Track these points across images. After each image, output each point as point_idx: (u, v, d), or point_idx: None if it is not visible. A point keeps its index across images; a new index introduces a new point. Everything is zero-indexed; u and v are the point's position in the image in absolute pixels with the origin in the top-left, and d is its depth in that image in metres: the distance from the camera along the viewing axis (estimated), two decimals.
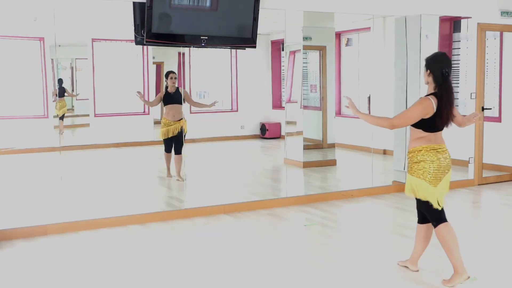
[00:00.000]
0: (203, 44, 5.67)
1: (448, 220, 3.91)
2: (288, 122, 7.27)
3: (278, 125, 9.00)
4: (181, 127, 6.93)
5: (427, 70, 3.90)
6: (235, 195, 6.71)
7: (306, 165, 7.92)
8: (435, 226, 3.90)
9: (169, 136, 6.97)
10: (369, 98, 8.13)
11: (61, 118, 7.33)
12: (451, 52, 8.12)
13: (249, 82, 8.57)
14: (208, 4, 5.59)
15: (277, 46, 8.71)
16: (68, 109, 7.77)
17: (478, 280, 3.94)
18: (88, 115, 7.58)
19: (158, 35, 5.41)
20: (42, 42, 7.36)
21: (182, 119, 6.96)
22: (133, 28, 5.53)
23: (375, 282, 3.99)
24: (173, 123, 6.91)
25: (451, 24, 8.11)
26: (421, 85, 6.84)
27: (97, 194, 6.71)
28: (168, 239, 5.13)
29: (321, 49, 8.17)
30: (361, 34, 8.80)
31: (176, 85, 6.97)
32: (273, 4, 6.08)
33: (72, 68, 7.82)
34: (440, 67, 3.82)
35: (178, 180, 6.93)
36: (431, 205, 3.89)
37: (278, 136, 9.03)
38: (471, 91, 7.34)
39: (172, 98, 6.93)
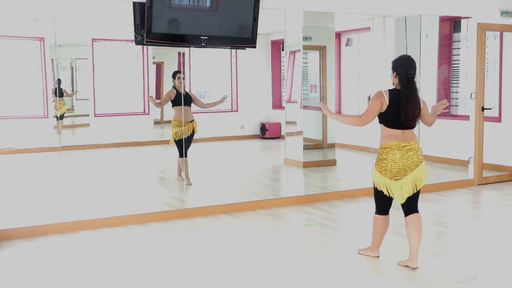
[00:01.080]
0: (203, 44, 5.67)
1: (389, 213, 4.37)
2: (288, 122, 7.27)
3: (278, 125, 9.00)
4: (193, 129, 6.89)
5: (393, 72, 4.10)
6: (235, 195, 6.71)
7: (306, 165, 7.92)
8: (375, 212, 4.40)
9: (185, 137, 6.82)
10: (369, 98, 8.12)
11: (60, 117, 7.32)
12: (451, 52, 8.12)
13: (249, 82, 8.57)
14: (208, 4, 5.59)
15: (277, 46, 8.71)
16: (68, 109, 7.77)
17: (478, 280, 3.94)
18: (88, 115, 7.58)
19: (158, 35, 5.41)
20: (42, 42, 7.36)
21: (193, 120, 6.93)
22: (133, 28, 5.53)
23: (375, 282, 3.99)
24: (186, 124, 6.81)
25: (451, 24, 8.11)
26: (421, 85, 6.84)
27: (97, 194, 6.71)
28: (168, 239, 5.13)
29: (321, 49, 8.17)
30: (361, 34, 8.79)
31: (183, 86, 6.87)
32: (273, 4, 6.08)
33: (72, 68, 7.82)
34: (405, 69, 4.03)
35: (179, 179, 6.91)
36: (377, 194, 4.32)
37: (278, 136, 9.02)
38: (471, 91, 7.34)
39: (183, 99, 6.82)
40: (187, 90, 7.80)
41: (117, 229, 5.37)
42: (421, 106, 4.12)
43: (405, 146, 4.06)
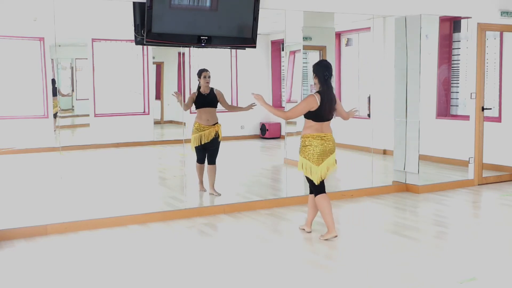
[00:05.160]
0: (203, 44, 5.67)
1: (325, 192, 4.98)
2: (288, 122, 7.27)
3: (278, 125, 9.01)
4: (216, 132, 6.44)
5: (313, 74, 4.95)
6: (235, 195, 6.71)
7: None
8: (315, 195, 4.99)
9: (202, 143, 6.41)
10: (369, 98, 8.13)
11: (54, 116, 7.33)
12: (451, 52, 8.12)
13: (249, 82, 8.58)
14: (208, 4, 5.59)
15: (277, 46, 8.72)
16: (68, 109, 7.78)
17: (478, 280, 3.94)
18: (88, 115, 7.59)
19: (158, 35, 5.41)
20: (42, 42, 7.37)
21: (217, 123, 6.47)
22: (133, 28, 5.52)
23: (375, 282, 3.99)
24: (207, 128, 6.39)
25: (451, 24, 8.11)
26: (421, 85, 6.84)
27: (97, 194, 6.71)
28: (168, 239, 5.13)
29: (321, 49, 8.17)
30: (361, 34, 8.80)
31: (210, 85, 6.42)
32: (273, 4, 6.08)
33: (72, 68, 7.83)
34: (322, 72, 4.88)
35: (212, 194, 6.52)
36: (312, 180, 4.93)
37: (278, 136, 9.03)
38: (471, 91, 7.34)
39: (206, 100, 6.38)
40: (186, 89, 7.75)
41: (117, 229, 5.37)
42: (336, 102, 5.00)
43: (324, 136, 4.90)
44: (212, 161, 6.54)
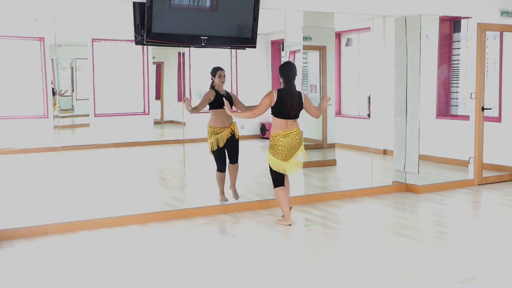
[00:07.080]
0: (203, 44, 5.66)
1: (284, 184, 5.47)
2: None
3: None
4: (232, 131, 6.14)
5: (279, 74, 5.35)
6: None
7: (306, 165, 7.88)
8: (274, 187, 5.47)
9: (220, 146, 6.08)
10: (369, 98, 8.13)
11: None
12: (451, 52, 8.12)
13: (249, 82, 8.57)
14: (208, 4, 5.59)
15: (277, 46, 8.71)
16: (68, 109, 7.79)
17: (478, 280, 3.94)
18: (88, 115, 7.59)
19: (158, 35, 5.41)
20: (42, 42, 7.37)
21: (232, 123, 6.14)
22: (133, 28, 5.52)
23: (375, 282, 3.99)
24: (222, 130, 6.07)
25: (451, 24, 8.11)
26: (421, 85, 6.84)
27: (97, 194, 6.71)
28: (168, 239, 5.13)
29: (321, 49, 8.17)
30: (361, 34, 8.80)
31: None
32: (273, 4, 6.08)
33: (72, 68, 7.83)
34: (286, 73, 5.28)
35: (222, 200, 6.31)
36: (274, 173, 5.42)
37: None
38: (471, 91, 7.33)
39: (223, 101, 5.78)
40: (186, 89, 7.74)
41: (117, 229, 5.37)
42: (303, 101, 5.34)
43: (289, 133, 5.29)
44: (233, 160, 6.29)
